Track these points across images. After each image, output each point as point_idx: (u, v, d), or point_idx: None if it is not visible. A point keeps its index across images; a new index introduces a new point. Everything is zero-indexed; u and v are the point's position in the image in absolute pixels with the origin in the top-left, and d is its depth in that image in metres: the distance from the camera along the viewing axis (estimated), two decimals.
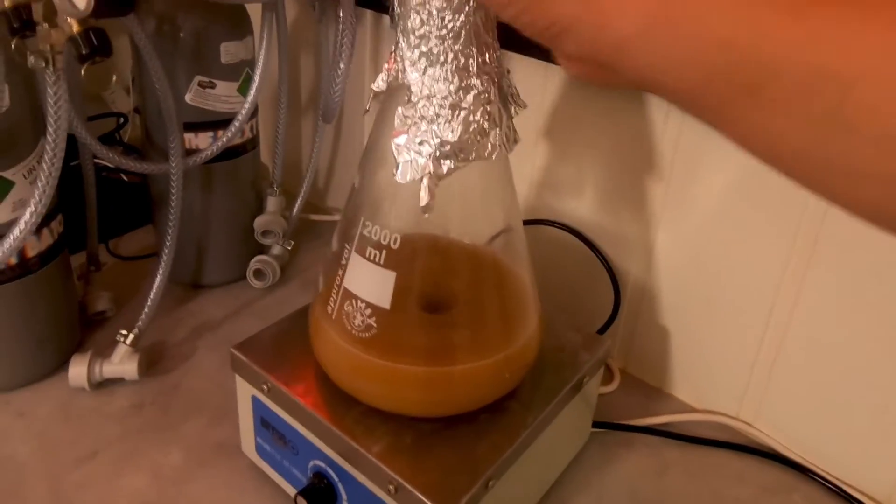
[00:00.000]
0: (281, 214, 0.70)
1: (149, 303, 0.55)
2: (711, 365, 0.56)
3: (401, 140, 0.36)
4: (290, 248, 0.69)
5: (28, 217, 0.44)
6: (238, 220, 0.67)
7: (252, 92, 0.62)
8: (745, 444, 0.53)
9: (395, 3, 0.38)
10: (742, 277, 0.52)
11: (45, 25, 0.40)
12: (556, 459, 0.50)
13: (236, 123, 0.61)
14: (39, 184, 0.44)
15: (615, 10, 0.23)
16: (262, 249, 0.68)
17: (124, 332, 0.54)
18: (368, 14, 0.70)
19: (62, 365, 0.54)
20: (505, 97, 0.38)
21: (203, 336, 0.60)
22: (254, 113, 0.64)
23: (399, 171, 0.36)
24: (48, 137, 0.43)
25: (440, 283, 0.43)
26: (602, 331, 0.58)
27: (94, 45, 0.42)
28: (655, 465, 0.51)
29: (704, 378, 0.57)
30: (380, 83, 0.39)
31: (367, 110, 0.41)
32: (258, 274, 0.67)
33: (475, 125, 0.36)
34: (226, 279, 0.67)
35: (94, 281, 0.61)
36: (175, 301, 0.63)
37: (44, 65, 0.41)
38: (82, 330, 0.59)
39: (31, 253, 0.51)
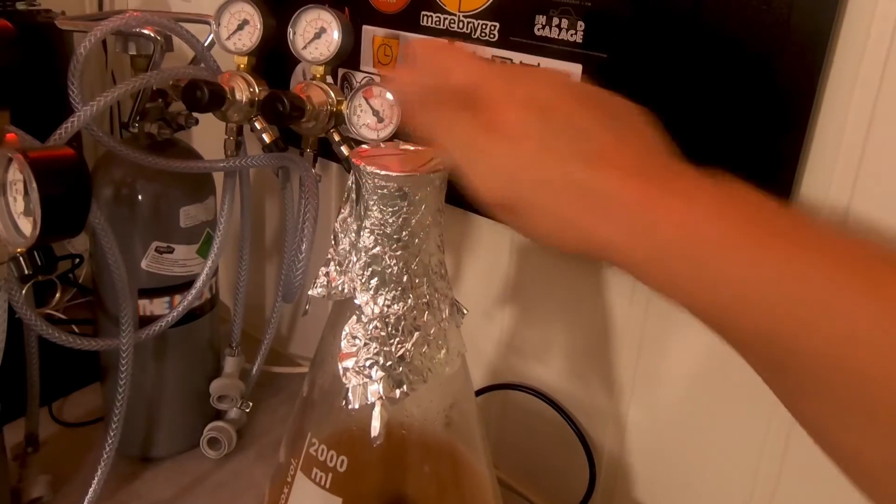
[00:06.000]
0: (241, 368, 0.67)
1: (88, 497, 0.51)
2: None
3: (349, 363, 0.34)
4: (248, 409, 0.66)
5: None
6: (193, 384, 0.63)
7: (213, 253, 0.60)
8: None
9: (350, 211, 0.37)
10: (719, 461, 0.50)
11: None
12: None
13: (197, 286, 0.59)
14: None
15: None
16: (218, 414, 0.64)
17: None
18: (334, 168, 0.69)
19: None
20: (453, 311, 0.37)
21: None
22: (215, 272, 0.62)
23: (348, 397, 0.33)
24: None
25: (399, 488, 0.40)
26: None
27: (38, 265, 0.40)
28: None
29: None
30: (319, 290, 0.37)
31: (307, 312, 0.39)
32: (213, 443, 0.62)
33: (427, 346, 0.34)
34: (177, 449, 0.62)
35: (30, 463, 0.56)
36: (119, 479, 0.58)
37: None
38: None
39: None
